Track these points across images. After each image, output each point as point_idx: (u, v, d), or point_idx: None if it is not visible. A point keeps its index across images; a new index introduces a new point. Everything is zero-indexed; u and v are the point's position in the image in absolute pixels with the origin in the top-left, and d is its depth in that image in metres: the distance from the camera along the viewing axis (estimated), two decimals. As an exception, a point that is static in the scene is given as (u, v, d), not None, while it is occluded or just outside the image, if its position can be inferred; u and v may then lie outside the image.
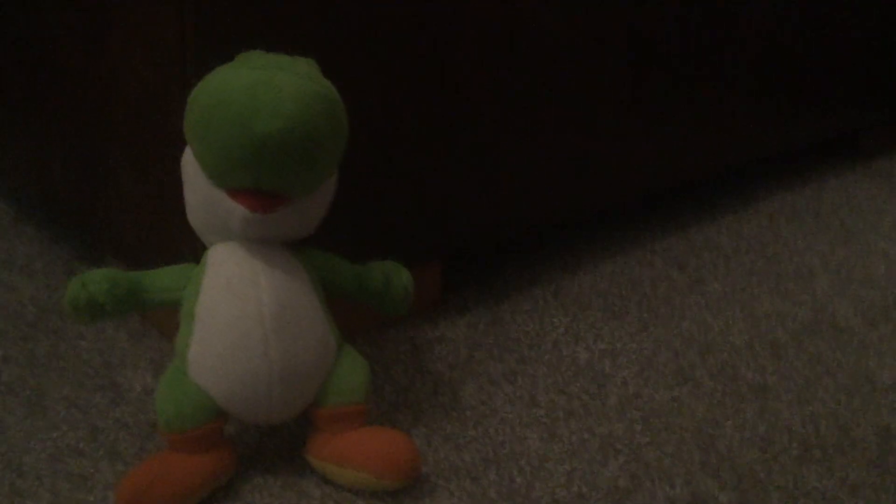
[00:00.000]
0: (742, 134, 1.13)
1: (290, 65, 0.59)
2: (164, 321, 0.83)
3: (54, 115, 0.86)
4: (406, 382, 0.79)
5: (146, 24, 0.69)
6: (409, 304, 0.71)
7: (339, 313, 0.77)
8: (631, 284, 0.97)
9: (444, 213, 0.85)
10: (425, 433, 0.72)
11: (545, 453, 0.70)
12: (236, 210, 0.60)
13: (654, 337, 0.87)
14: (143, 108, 0.72)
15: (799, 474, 0.69)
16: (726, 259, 1.04)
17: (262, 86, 0.56)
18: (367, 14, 0.73)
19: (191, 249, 0.71)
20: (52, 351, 0.81)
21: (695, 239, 1.09)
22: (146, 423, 0.72)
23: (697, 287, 0.97)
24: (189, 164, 0.62)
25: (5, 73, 0.92)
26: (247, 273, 0.62)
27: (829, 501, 0.66)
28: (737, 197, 1.23)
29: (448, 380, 0.79)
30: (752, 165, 1.35)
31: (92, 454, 0.68)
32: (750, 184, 1.29)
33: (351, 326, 0.84)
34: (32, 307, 0.88)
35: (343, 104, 0.61)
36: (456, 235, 0.87)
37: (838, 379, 0.81)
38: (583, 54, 0.90)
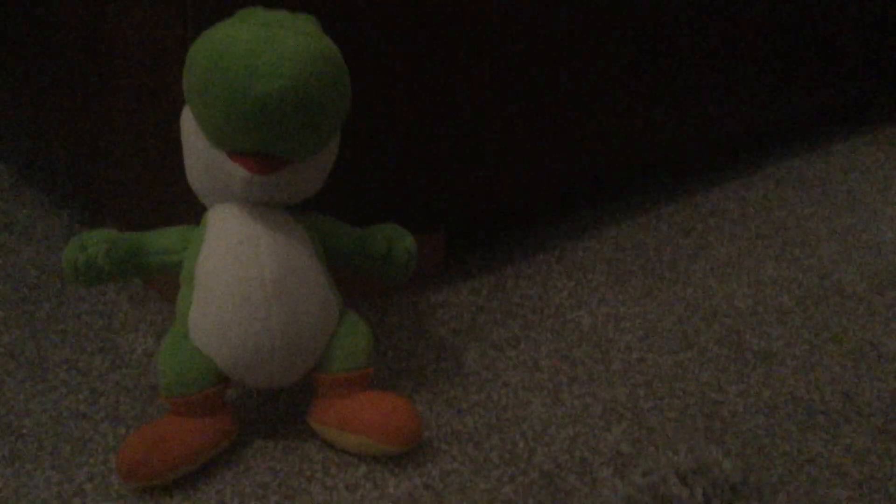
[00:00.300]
0: (749, 101, 1.11)
1: (291, 22, 0.57)
2: (166, 284, 0.82)
3: (54, 78, 0.85)
4: (409, 348, 0.78)
5: (144, -18, 0.67)
6: (412, 269, 0.70)
7: (342, 279, 0.76)
8: (635, 250, 0.96)
9: (448, 180, 0.84)
10: (428, 398, 0.72)
11: (548, 418, 0.70)
12: (237, 172, 0.59)
13: (659, 302, 0.87)
14: (143, 70, 0.71)
15: (804, 441, 0.68)
16: (732, 225, 1.03)
17: (263, 44, 0.55)
18: (369, -28, 0.71)
19: (191, 211, 0.70)
20: (53, 314, 0.80)
21: (701, 205, 1.08)
22: (147, 386, 0.71)
23: (703, 253, 0.96)
24: (188, 124, 0.61)
25: (5, 37, 0.91)
26: (248, 236, 0.61)
27: (833, 468, 0.66)
28: (743, 163, 1.22)
29: (451, 345, 0.79)
30: (760, 132, 1.34)
31: (93, 417, 0.68)
32: (757, 150, 1.27)
33: (354, 292, 0.84)
34: (33, 270, 0.87)
35: (345, 64, 0.60)
36: (460, 202, 0.86)
37: (843, 346, 0.81)
38: (586, 21, 0.89)
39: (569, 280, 0.90)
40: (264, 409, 0.70)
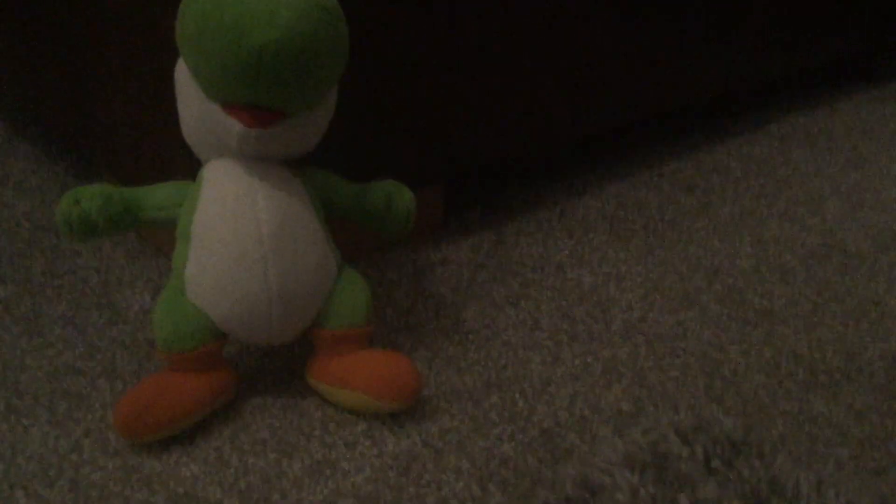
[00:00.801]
0: (754, 56, 1.10)
1: (287, -30, 0.56)
2: (162, 239, 0.82)
3: (46, 31, 0.83)
4: (408, 305, 0.77)
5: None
6: (411, 225, 0.69)
7: (341, 235, 0.75)
8: (637, 208, 0.96)
9: (446, 135, 0.82)
10: (427, 356, 0.71)
11: (548, 377, 0.69)
12: (233, 126, 0.58)
13: (660, 261, 0.86)
14: (136, 21, 0.70)
15: (805, 400, 0.68)
16: (735, 183, 1.02)
17: (258, -7, 0.54)
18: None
19: (187, 166, 0.69)
20: (48, 269, 0.80)
21: (703, 162, 1.07)
22: (144, 342, 0.71)
23: (705, 211, 0.96)
24: (182, 76, 0.60)
25: (-8, -19, 0.89)
26: (244, 191, 0.60)
27: (835, 427, 0.65)
28: (747, 120, 1.21)
29: (450, 302, 0.78)
30: (764, 88, 1.32)
31: (89, 373, 0.68)
32: (761, 107, 1.26)
33: (352, 248, 0.83)
34: (27, 224, 0.86)
35: (343, 14, 0.58)
36: (459, 157, 0.85)
37: (846, 304, 0.80)
38: (594, -34, 0.87)
39: (570, 238, 0.89)
40: (262, 366, 0.69)
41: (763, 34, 1.09)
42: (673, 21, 0.97)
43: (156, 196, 0.63)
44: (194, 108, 0.60)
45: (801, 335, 0.76)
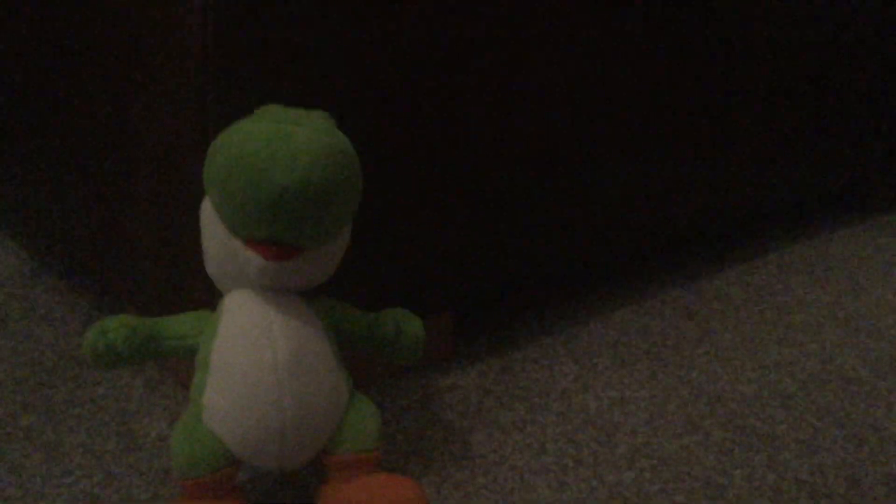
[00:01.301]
0: (751, 186, 1.14)
1: (306, 118, 0.61)
2: (181, 369, 0.84)
3: (75, 167, 0.88)
4: (417, 430, 0.79)
5: (168, 81, 0.71)
6: (420, 352, 0.72)
7: (352, 362, 0.78)
8: (640, 334, 0.98)
9: (455, 265, 0.86)
10: (435, 481, 0.72)
11: (554, 502, 0.70)
12: (253, 259, 0.62)
13: (664, 386, 0.88)
14: (163, 162, 0.75)
15: (808, 524, 0.69)
16: (735, 309, 1.05)
17: (280, 139, 0.59)
18: (380, 71, 0.75)
19: (207, 297, 0.72)
20: (70, 398, 0.82)
21: (704, 289, 1.10)
22: (160, 469, 0.73)
23: (706, 337, 0.98)
24: (207, 213, 0.64)
25: (29, 126, 0.95)
26: (261, 321, 0.64)
27: (838, 552, 0.66)
28: (746, 248, 1.24)
29: (459, 428, 0.80)
30: (761, 217, 1.37)
31: (107, 500, 0.69)
32: (759, 235, 1.30)
33: (363, 375, 0.85)
34: (51, 354, 0.89)
35: (357, 157, 0.63)
36: (467, 286, 0.88)
37: (847, 429, 0.81)
38: (589, 108, 0.92)
39: (575, 364, 0.91)
40: (274, 492, 0.71)
41: (757, 166, 1.14)
42: (675, 156, 1.02)
43: (177, 326, 0.66)
44: (218, 242, 0.64)
45: (804, 460, 0.77)
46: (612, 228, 0.99)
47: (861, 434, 0.81)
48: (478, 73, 0.82)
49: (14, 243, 1.16)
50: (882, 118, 1.31)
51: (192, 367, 0.66)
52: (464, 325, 0.99)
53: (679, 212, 1.06)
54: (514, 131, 0.86)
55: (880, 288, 1.12)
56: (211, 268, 0.66)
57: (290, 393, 0.63)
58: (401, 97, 0.77)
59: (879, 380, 0.90)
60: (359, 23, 0.72)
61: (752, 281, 1.13)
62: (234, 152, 0.59)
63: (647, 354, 0.94)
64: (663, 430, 0.80)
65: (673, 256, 1.21)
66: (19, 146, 0.99)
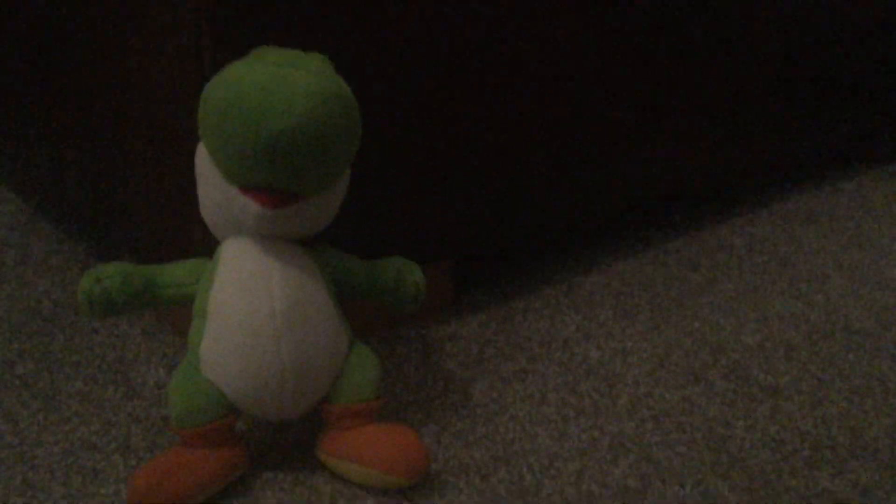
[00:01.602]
0: (757, 137, 1.13)
1: (303, 61, 0.59)
2: (178, 317, 0.84)
3: (70, 114, 0.87)
4: (417, 380, 0.79)
5: (163, 27, 0.69)
6: (420, 301, 0.71)
7: (352, 311, 0.77)
8: (643, 284, 0.97)
9: (456, 212, 0.85)
10: (435, 430, 0.72)
11: (555, 451, 0.70)
12: (249, 206, 0.60)
13: (666, 337, 0.87)
14: (159, 107, 0.73)
15: (810, 476, 0.68)
16: (739, 260, 1.04)
17: (276, 83, 0.57)
18: (381, 13, 0.73)
19: (205, 244, 0.71)
20: (67, 346, 0.82)
21: (708, 240, 1.09)
22: (158, 417, 0.72)
23: (710, 288, 0.97)
24: (202, 160, 0.62)
25: (23, 75, 0.93)
26: (259, 269, 0.63)
27: (844, 485, 0.66)
28: (751, 199, 1.23)
29: (459, 377, 0.79)
30: (766, 168, 1.35)
31: (104, 448, 0.69)
32: (764, 186, 1.28)
33: (363, 324, 0.84)
34: (48, 303, 0.89)
35: (356, 102, 0.61)
36: (468, 234, 0.87)
37: (851, 381, 0.81)
38: (599, 59, 0.90)
39: (576, 314, 0.91)
40: (274, 441, 0.70)
41: (763, 117, 1.12)
42: (680, 107, 1.00)
43: (174, 274, 0.65)
44: (213, 189, 0.62)
45: (807, 411, 0.76)
46: (616, 178, 0.98)
47: (865, 386, 0.80)
48: (483, 21, 0.80)
49: (9, 191, 1.14)
50: (889, 68, 1.29)
51: (190, 316, 0.65)
52: (464, 274, 0.98)
53: (683, 162, 1.05)
54: (518, 77, 0.84)
55: (886, 238, 1.11)
56: (207, 215, 0.65)
57: (289, 342, 0.62)
58: (403, 39, 0.75)
59: (885, 331, 0.89)
60: (358, -38, 0.70)
61: (757, 232, 1.12)
62: (228, 96, 0.57)
63: (649, 305, 0.93)
64: (665, 381, 0.80)
65: (677, 207, 1.19)
66: (14, 96, 0.97)
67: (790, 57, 1.12)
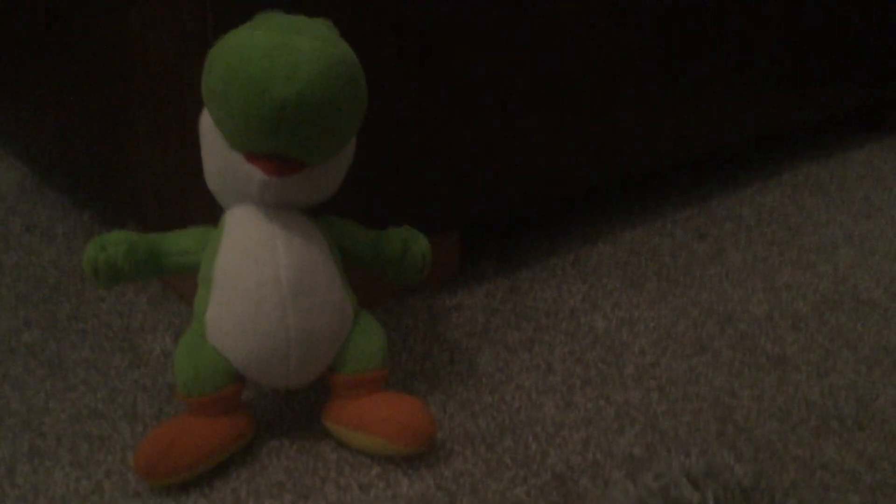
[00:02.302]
0: (766, 105, 1.11)
1: (308, 27, 0.58)
2: (184, 285, 0.83)
3: (76, 81, 0.86)
4: (423, 350, 0.79)
5: (165, -13, 0.68)
6: (426, 271, 0.71)
7: (358, 281, 0.77)
8: (650, 254, 0.97)
9: (463, 182, 0.84)
10: (441, 399, 0.72)
11: (561, 421, 0.70)
12: (254, 174, 0.60)
13: (673, 307, 0.87)
14: (164, 74, 0.72)
15: (817, 446, 0.68)
16: (748, 230, 1.03)
17: (280, 49, 0.56)
18: (386, -22, 0.72)
19: (210, 213, 0.71)
20: (73, 314, 0.82)
21: (716, 210, 1.08)
22: (165, 385, 0.72)
23: (718, 257, 0.97)
24: (206, 127, 0.62)
25: (29, 41, 0.93)
26: (265, 238, 0.62)
27: (846, 474, 0.65)
28: (759, 168, 1.22)
29: (465, 347, 0.79)
30: (775, 137, 1.34)
31: (111, 416, 0.69)
32: (773, 155, 1.27)
33: (369, 295, 0.84)
34: (54, 270, 0.89)
35: (362, 69, 0.60)
36: (475, 204, 0.87)
37: (858, 351, 0.80)
38: (605, 25, 0.89)
39: (583, 283, 0.90)
40: (280, 409, 0.70)
41: (772, 85, 1.11)
42: (688, 75, 0.99)
43: (179, 242, 0.65)
44: (218, 157, 0.62)
45: (814, 382, 0.76)
46: (623, 146, 0.97)
47: (873, 356, 0.80)
48: (488, -18, 0.79)
49: (15, 159, 1.14)
50: (906, 33, 1.27)
51: (195, 284, 0.65)
52: (471, 243, 0.97)
53: (691, 131, 1.04)
54: (523, 45, 0.83)
55: (895, 208, 1.10)
56: (211, 183, 0.65)
57: (295, 311, 0.62)
58: (408, 7, 0.74)
59: (893, 302, 0.89)
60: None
61: (765, 201, 1.11)
62: (231, 63, 0.56)
63: (656, 275, 0.93)
64: (672, 351, 0.80)
65: (685, 176, 1.18)
66: (19, 62, 0.96)
67: (801, 20, 1.11)
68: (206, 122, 0.62)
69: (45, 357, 0.75)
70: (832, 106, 1.22)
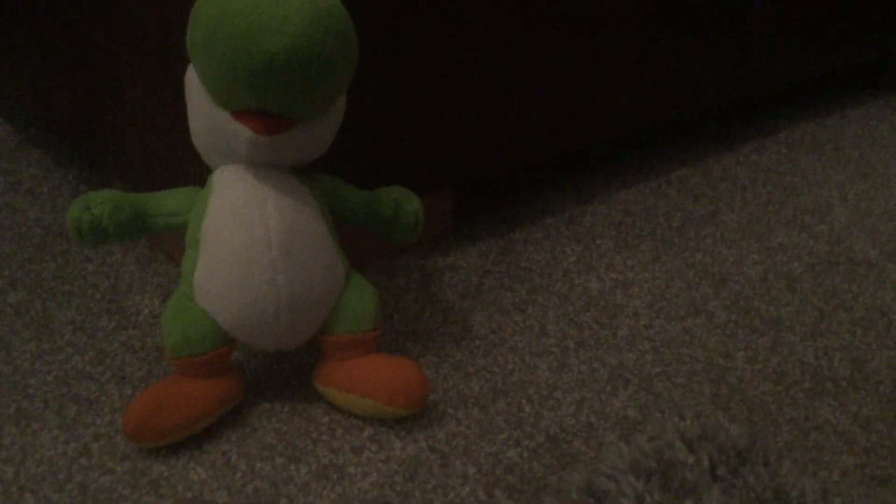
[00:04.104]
0: (761, 63, 1.10)
1: (296, -21, 0.56)
2: (172, 246, 0.82)
3: (60, 37, 0.84)
4: (416, 311, 0.78)
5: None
6: (418, 231, 0.70)
7: (349, 242, 0.76)
8: (645, 215, 0.96)
9: (456, 141, 0.83)
10: (434, 361, 0.71)
11: (554, 382, 0.70)
12: (242, 132, 0.58)
13: (667, 268, 0.86)
14: (151, 28, 0.70)
15: (811, 408, 0.68)
16: (743, 190, 1.02)
17: (268, 1, 0.54)
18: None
19: (197, 172, 0.69)
20: (59, 274, 0.80)
21: (711, 170, 1.07)
22: (153, 347, 0.72)
23: (712, 218, 0.96)
24: (192, 84, 0.60)
25: (5, -11, 0.90)
26: (254, 198, 0.61)
27: (840, 435, 0.65)
28: (755, 128, 1.21)
29: (458, 308, 0.78)
30: (772, 97, 1.32)
31: (98, 378, 0.68)
32: (769, 115, 1.26)
33: (361, 255, 0.83)
34: (38, 230, 0.87)
35: (352, 22, 0.59)
36: (468, 163, 0.85)
37: (853, 313, 0.80)
38: (601, -25, 0.87)
39: (577, 244, 0.89)
40: (270, 372, 0.70)
41: (769, 42, 1.09)
42: (684, 32, 0.97)
43: (165, 202, 0.64)
44: (204, 114, 0.60)
45: (808, 343, 0.76)
46: (617, 105, 0.95)
47: (868, 318, 0.79)
48: (482, -67, 0.76)
49: (-3, 115, 1.12)
50: (905, -10, 1.25)
51: (183, 243, 0.64)
52: (464, 203, 0.96)
53: (687, 89, 1.02)
54: (516, 5, 0.81)
55: (892, 168, 1.09)
56: (198, 142, 0.63)
57: (285, 271, 0.61)
58: (399, -42, 0.72)
59: (889, 262, 0.88)
60: None
61: (761, 161, 1.10)
62: (216, 14, 0.55)
63: (651, 236, 0.92)
64: (666, 313, 0.79)
65: (680, 136, 1.17)
66: (3, 19, 0.94)
67: (801, -20, 1.09)
68: (192, 78, 0.60)
69: (30, 318, 0.74)
70: (829, 64, 1.20)
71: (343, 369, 0.65)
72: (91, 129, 0.84)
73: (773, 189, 1.03)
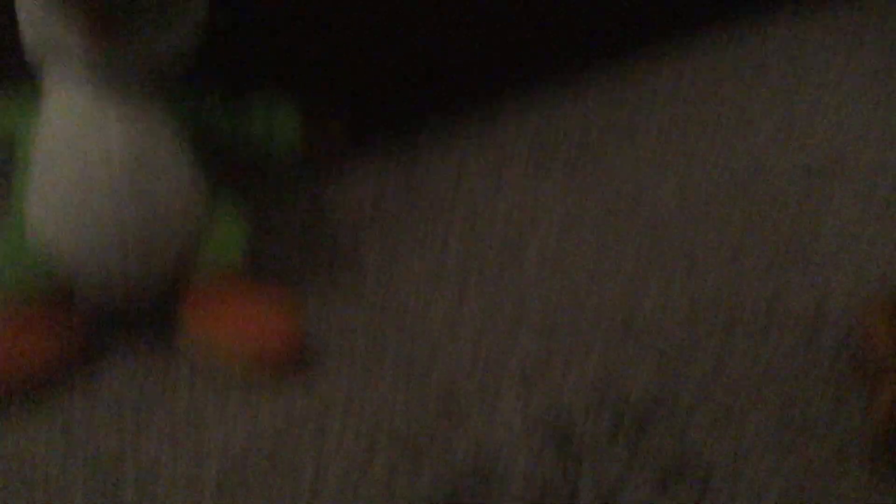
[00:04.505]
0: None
1: None
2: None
3: None
4: (301, 244, 0.71)
5: None
6: (299, 154, 0.63)
7: (222, 164, 0.68)
8: (558, 137, 0.90)
9: (349, 49, 0.75)
10: (317, 303, 0.65)
11: (454, 318, 0.64)
12: (74, 29, 0.49)
13: (579, 196, 0.80)
14: None
15: (726, 341, 0.64)
16: (661, 109, 0.97)
17: None
18: None
19: (28, 76, 0.60)
20: None
21: (630, 88, 1.01)
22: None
23: (629, 141, 0.90)
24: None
25: None
26: (92, 111, 0.53)
27: (753, 384, 0.61)
28: (677, 43, 1.15)
29: (349, 240, 0.72)
30: (694, 13, 1.26)
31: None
32: (692, 32, 1.20)
33: (234, 179, 0.75)
34: None
35: None
36: (364, 78, 0.78)
37: (771, 243, 0.76)
38: None
39: (484, 167, 0.83)
40: (121, 326, 0.61)
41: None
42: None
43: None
44: (33, 19, 0.51)
45: (723, 280, 0.71)
46: (532, 13, 0.88)
47: (784, 248, 0.75)
48: None
49: None
50: None
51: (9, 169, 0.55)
52: (358, 123, 0.88)
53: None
54: None
55: (818, 90, 1.05)
56: (27, 42, 0.54)
57: (131, 199, 0.53)
58: None
59: (813, 188, 0.84)
60: None
61: (682, 81, 1.04)
62: None
63: (563, 161, 0.86)
64: (575, 247, 0.74)
65: (600, 52, 1.10)
66: None
67: None
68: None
69: None
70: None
71: (207, 317, 0.58)
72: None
73: (693, 110, 0.98)
